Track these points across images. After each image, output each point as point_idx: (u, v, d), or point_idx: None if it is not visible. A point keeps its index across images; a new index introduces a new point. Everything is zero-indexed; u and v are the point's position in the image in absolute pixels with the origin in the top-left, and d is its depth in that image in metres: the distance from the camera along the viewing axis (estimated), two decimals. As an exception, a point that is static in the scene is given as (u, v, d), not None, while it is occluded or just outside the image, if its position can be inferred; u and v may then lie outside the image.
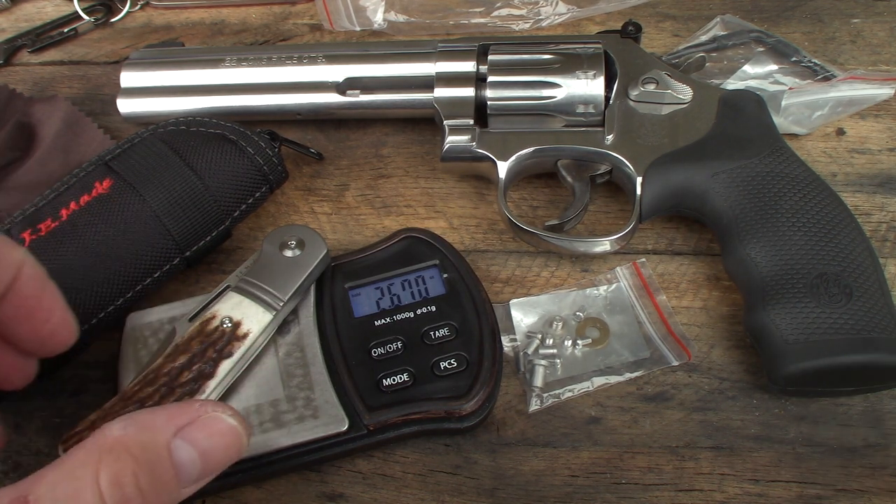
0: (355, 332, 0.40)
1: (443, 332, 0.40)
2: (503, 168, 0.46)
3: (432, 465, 0.40)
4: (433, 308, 0.40)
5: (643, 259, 0.45)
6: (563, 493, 0.39)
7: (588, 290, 0.45)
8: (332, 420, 0.38)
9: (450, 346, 0.39)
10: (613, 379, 0.42)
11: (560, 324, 0.43)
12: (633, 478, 0.39)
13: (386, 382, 0.39)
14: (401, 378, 0.39)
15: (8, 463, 0.41)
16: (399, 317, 0.40)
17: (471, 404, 0.38)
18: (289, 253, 0.41)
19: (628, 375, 0.42)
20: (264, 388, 0.39)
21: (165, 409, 0.31)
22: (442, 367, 0.39)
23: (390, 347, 0.40)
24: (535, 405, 0.41)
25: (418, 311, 0.40)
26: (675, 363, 0.42)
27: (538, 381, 0.42)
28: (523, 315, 0.44)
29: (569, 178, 0.46)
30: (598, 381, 0.42)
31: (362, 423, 0.38)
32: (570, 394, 0.41)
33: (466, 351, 0.39)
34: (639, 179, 0.44)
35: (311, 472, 0.40)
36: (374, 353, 0.39)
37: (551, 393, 0.41)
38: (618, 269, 0.45)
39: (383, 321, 0.40)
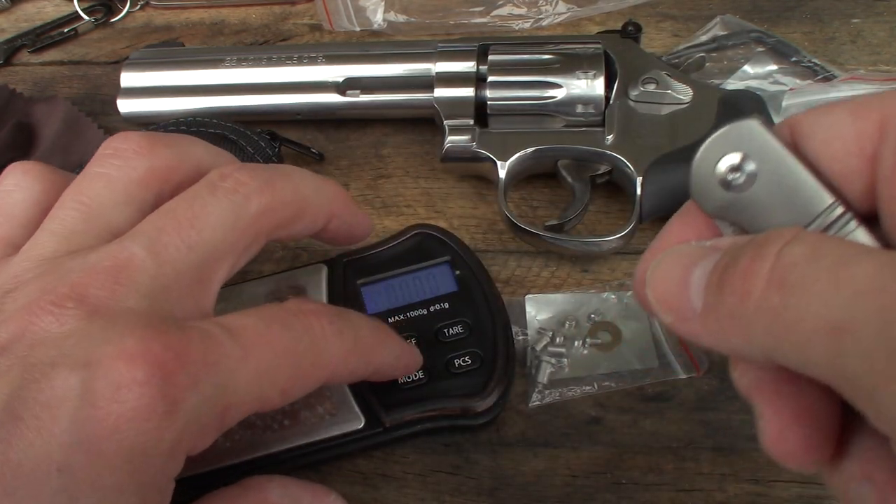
0: None
1: (456, 329, 0.40)
2: (503, 168, 0.46)
3: (432, 465, 0.40)
4: (446, 305, 0.41)
5: None
6: (563, 493, 0.39)
7: (605, 294, 0.45)
8: (348, 418, 0.38)
9: (463, 344, 0.39)
10: (618, 385, 0.42)
11: (573, 324, 0.43)
12: (633, 478, 0.39)
13: (401, 380, 0.39)
14: (416, 375, 0.39)
15: (8, 463, 0.41)
16: (412, 314, 0.40)
17: (486, 402, 0.38)
18: None
19: (634, 382, 0.41)
20: None
21: (311, 487, 0.33)
22: (456, 364, 0.39)
23: None
24: (535, 401, 0.41)
25: (431, 308, 0.41)
26: (683, 375, 0.42)
27: (543, 377, 0.42)
28: (537, 311, 0.44)
29: (569, 179, 0.46)
30: (603, 384, 0.42)
31: (378, 421, 0.38)
32: (572, 394, 0.41)
33: (480, 348, 0.39)
34: (639, 179, 0.44)
35: (311, 472, 0.40)
36: None
37: (553, 391, 0.41)
38: None
39: (397, 318, 0.40)
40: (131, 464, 0.25)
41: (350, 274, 0.42)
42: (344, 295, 0.41)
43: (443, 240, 0.43)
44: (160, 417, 0.25)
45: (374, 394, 0.38)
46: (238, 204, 0.31)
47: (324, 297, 0.41)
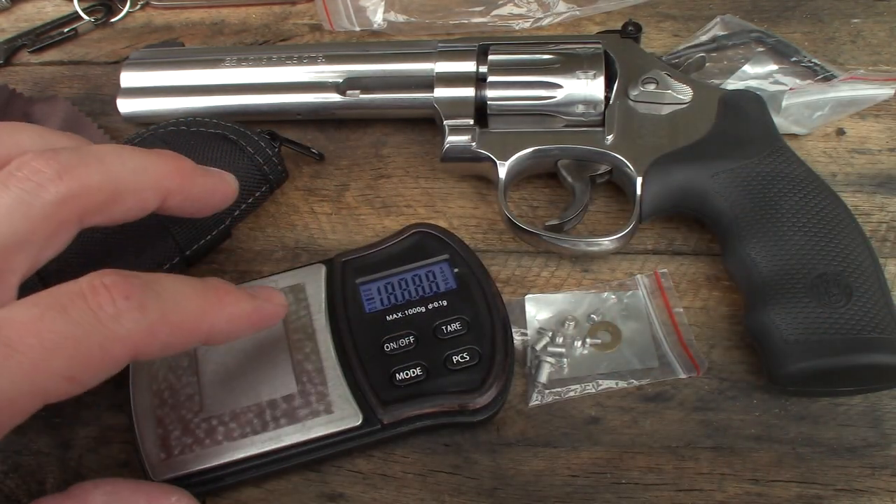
0: (367, 327, 0.40)
1: (455, 326, 0.40)
2: (503, 168, 0.46)
3: (432, 465, 0.40)
4: (444, 302, 0.41)
5: (665, 270, 0.45)
6: (563, 493, 0.39)
7: (605, 294, 0.45)
8: (346, 415, 0.38)
9: (462, 340, 0.40)
10: (618, 384, 0.42)
11: (572, 324, 0.43)
12: (633, 478, 0.39)
13: (399, 377, 0.39)
14: (414, 372, 0.39)
15: (8, 463, 0.41)
16: (410, 311, 0.41)
17: (484, 398, 0.38)
18: None
19: (634, 382, 0.42)
20: (277, 384, 0.39)
21: (146, 488, 0.32)
22: (455, 360, 0.39)
23: (402, 342, 0.40)
24: (535, 400, 0.41)
25: (430, 306, 0.41)
26: (683, 376, 0.42)
27: (543, 377, 0.42)
28: (537, 311, 0.44)
29: (569, 178, 0.46)
30: (603, 384, 0.42)
31: (376, 418, 0.38)
32: (572, 393, 0.41)
33: (479, 345, 0.39)
34: (639, 180, 0.44)
35: (311, 472, 0.40)
36: (387, 347, 0.40)
37: (553, 391, 0.41)
38: (637, 276, 0.45)
39: (395, 316, 0.40)
40: None
41: (349, 273, 0.42)
42: (343, 294, 0.41)
43: (442, 238, 0.43)
44: None
45: (371, 391, 0.38)
46: (30, 193, 0.30)
47: (322, 297, 0.41)
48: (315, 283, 0.42)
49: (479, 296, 0.41)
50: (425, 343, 0.39)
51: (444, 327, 0.40)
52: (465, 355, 0.39)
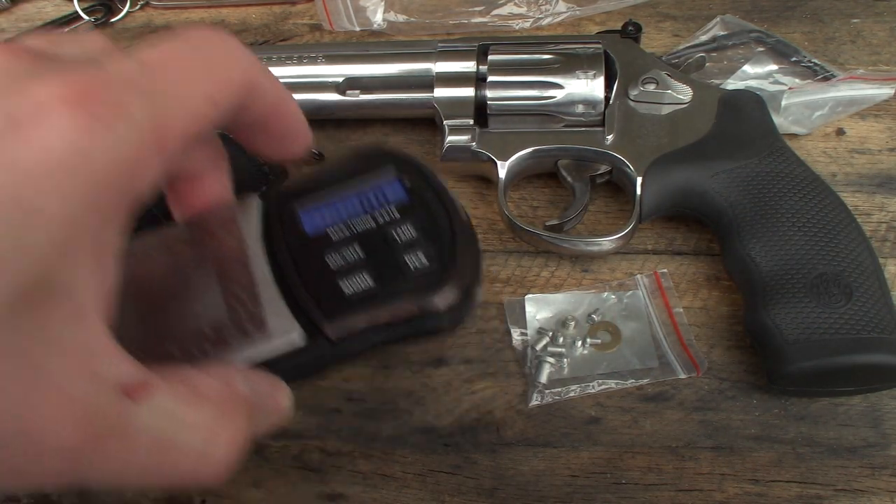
0: (310, 249, 0.35)
1: (407, 231, 0.35)
2: (503, 168, 0.46)
3: (432, 464, 0.40)
4: (396, 214, 0.36)
5: (665, 270, 0.45)
6: (563, 493, 0.39)
7: (605, 294, 0.45)
8: (284, 334, 0.33)
9: (417, 244, 0.35)
10: (618, 384, 0.42)
11: (572, 324, 0.43)
12: (633, 478, 0.39)
13: (348, 291, 0.34)
14: (363, 282, 0.34)
15: (8, 463, 0.41)
16: (357, 226, 0.36)
17: (446, 296, 0.33)
18: None
19: (634, 382, 0.42)
20: (205, 310, 0.34)
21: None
22: (409, 264, 0.34)
23: (349, 255, 0.35)
24: (535, 400, 0.41)
25: (379, 219, 0.36)
26: (683, 376, 0.42)
27: (543, 377, 0.42)
28: (537, 311, 0.44)
29: (569, 178, 0.46)
30: (603, 384, 0.42)
31: (323, 336, 0.34)
32: (572, 393, 0.41)
33: (435, 246, 0.35)
34: (639, 179, 0.44)
35: (311, 472, 0.40)
36: (331, 262, 0.35)
37: (553, 391, 0.41)
38: (637, 276, 0.45)
39: (340, 234, 0.36)
40: (58, 183, 0.21)
41: (288, 199, 0.37)
42: (280, 219, 0.36)
43: (389, 155, 0.38)
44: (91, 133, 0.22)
45: (316, 307, 0.34)
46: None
47: (258, 225, 0.36)
48: (248, 214, 0.37)
49: (434, 201, 0.36)
50: (375, 251, 0.35)
51: (395, 232, 0.35)
52: (419, 256, 0.34)
